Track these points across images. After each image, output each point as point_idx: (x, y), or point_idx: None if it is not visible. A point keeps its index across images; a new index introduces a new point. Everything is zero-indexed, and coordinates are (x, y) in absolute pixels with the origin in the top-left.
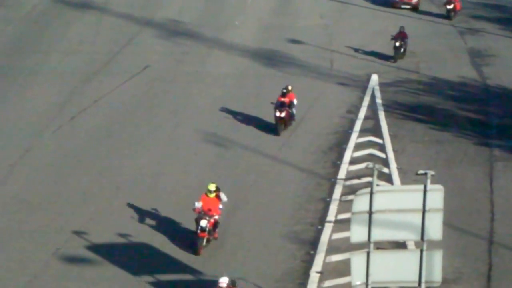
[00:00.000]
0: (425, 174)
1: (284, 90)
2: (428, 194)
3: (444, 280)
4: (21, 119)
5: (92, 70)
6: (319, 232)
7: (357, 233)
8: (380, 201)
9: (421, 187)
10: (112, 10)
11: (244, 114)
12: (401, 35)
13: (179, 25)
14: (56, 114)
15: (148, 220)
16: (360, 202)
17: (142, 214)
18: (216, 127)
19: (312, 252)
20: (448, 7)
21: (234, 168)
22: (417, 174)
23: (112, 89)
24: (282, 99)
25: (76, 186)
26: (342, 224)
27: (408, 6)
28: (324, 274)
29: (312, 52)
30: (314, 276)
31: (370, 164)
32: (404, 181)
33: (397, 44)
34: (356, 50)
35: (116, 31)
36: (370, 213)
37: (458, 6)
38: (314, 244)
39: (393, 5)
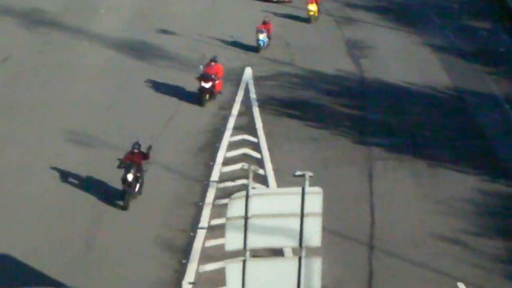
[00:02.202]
0: (303, 175)
1: None
2: (306, 198)
3: None
4: None
5: None
6: (191, 239)
7: (232, 240)
8: (256, 206)
9: (299, 190)
10: None
11: (111, 110)
12: (133, 160)
13: (41, 14)
14: None
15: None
16: (235, 207)
17: None
18: (82, 125)
19: (184, 261)
20: (204, 84)
21: (101, 170)
22: (294, 175)
23: None
24: None
25: None
26: (216, 230)
27: None
28: (198, 285)
29: (183, 43)
30: (186, 287)
31: (246, 165)
32: (280, 183)
33: (129, 177)
34: (229, 40)
35: None
36: (246, 218)
37: (219, 86)
38: (186, 252)
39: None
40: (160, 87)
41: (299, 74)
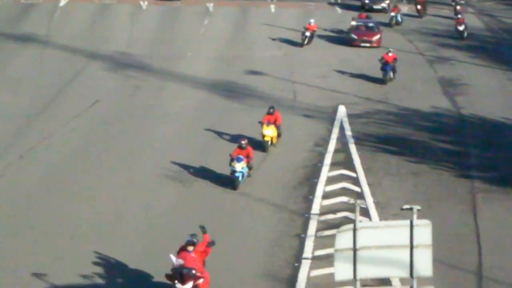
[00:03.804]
0: (411, 209)
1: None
2: (415, 230)
3: None
4: None
5: (37, 106)
6: (296, 270)
7: (342, 271)
8: (364, 238)
9: (407, 222)
10: (55, 43)
11: (205, 150)
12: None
13: (128, 58)
14: (1, 155)
15: (106, 270)
16: (343, 239)
17: (99, 264)
18: (176, 165)
19: None
20: (180, 286)
21: (198, 208)
22: (402, 209)
23: (60, 127)
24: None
25: (27, 233)
26: (320, 261)
27: (368, 44)
28: None
29: (273, 84)
30: None
31: (352, 200)
32: (382, 216)
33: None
34: (319, 81)
35: (60, 65)
36: (355, 250)
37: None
38: (291, 282)
39: (352, 43)
40: (254, 126)
41: (393, 112)
